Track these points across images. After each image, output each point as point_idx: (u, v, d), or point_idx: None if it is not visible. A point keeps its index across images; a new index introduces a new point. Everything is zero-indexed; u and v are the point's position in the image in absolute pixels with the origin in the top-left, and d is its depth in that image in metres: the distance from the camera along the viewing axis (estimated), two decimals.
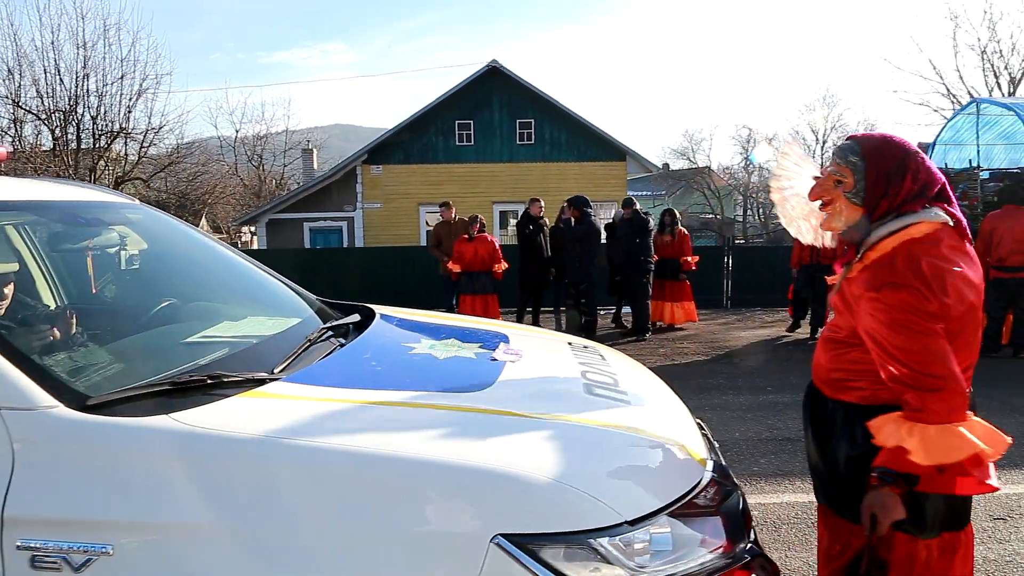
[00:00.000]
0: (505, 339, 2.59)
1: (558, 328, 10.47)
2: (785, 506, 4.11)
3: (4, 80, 18.50)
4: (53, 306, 2.47)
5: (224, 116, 74.82)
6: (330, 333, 2.48)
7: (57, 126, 18.80)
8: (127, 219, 2.78)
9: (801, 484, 4.46)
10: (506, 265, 9.71)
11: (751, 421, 5.92)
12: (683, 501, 1.72)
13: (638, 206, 10.50)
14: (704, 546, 1.70)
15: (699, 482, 1.82)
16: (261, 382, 1.91)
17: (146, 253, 2.80)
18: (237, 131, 38.66)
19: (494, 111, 21.92)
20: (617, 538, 1.54)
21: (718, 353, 9.18)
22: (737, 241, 17.43)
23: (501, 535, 1.48)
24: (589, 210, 9.94)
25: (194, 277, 2.93)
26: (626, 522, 1.56)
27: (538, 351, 2.54)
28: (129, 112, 19.40)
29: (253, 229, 22.61)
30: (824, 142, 33.50)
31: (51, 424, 1.59)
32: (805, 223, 2.48)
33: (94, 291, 2.61)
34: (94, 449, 1.58)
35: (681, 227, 11.02)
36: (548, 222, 10.76)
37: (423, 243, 20.94)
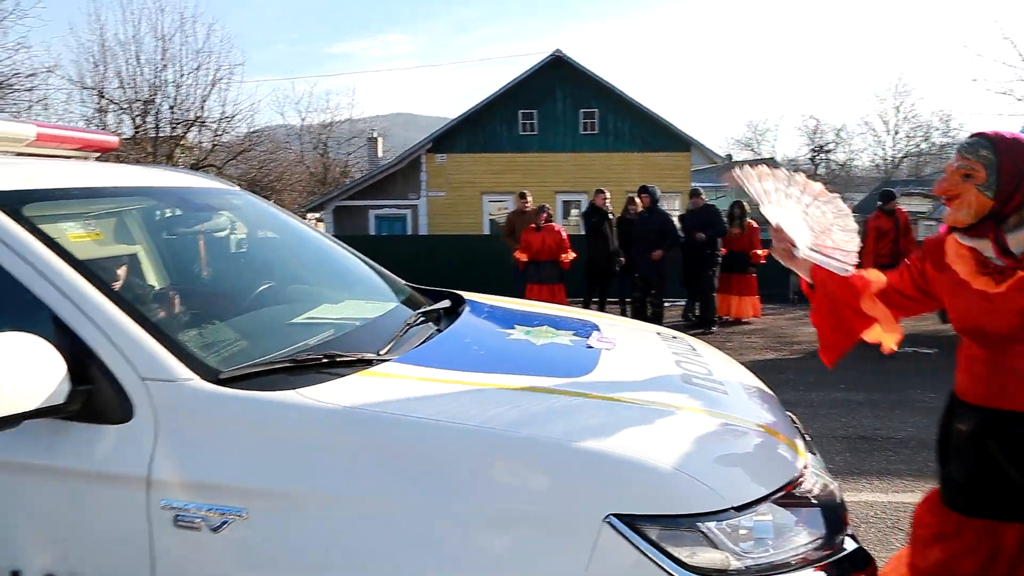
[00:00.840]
0: (596, 328, 2.64)
1: None
2: (863, 505, 4.07)
3: (90, 72, 19.24)
4: (168, 287, 2.62)
5: (291, 105, 76.36)
6: (424, 318, 2.58)
7: (137, 115, 19.47)
8: (232, 204, 2.93)
9: (878, 483, 4.41)
10: (573, 255, 9.74)
11: (824, 418, 5.85)
12: (784, 490, 1.75)
13: (705, 197, 10.40)
14: (802, 535, 1.73)
15: (799, 473, 1.85)
16: (370, 363, 2.01)
17: (247, 238, 2.94)
18: (303, 120, 39.47)
19: (557, 100, 21.89)
20: (724, 523, 1.59)
21: (787, 348, 9.06)
22: None
23: (613, 515, 1.54)
24: (659, 200, 9.91)
25: (291, 261, 3.06)
26: (732, 508, 1.61)
27: (630, 340, 2.59)
28: (204, 101, 19.99)
29: (319, 215, 23.07)
30: (896, 133, 32.51)
31: (189, 395, 1.71)
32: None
33: (204, 273, 2.75)
34: (229, 419, 1.69)
35: (750, 219, 10.87)
36: (614, 212, 10.74)
37: (486, 231, 21.11)
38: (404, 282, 3.13)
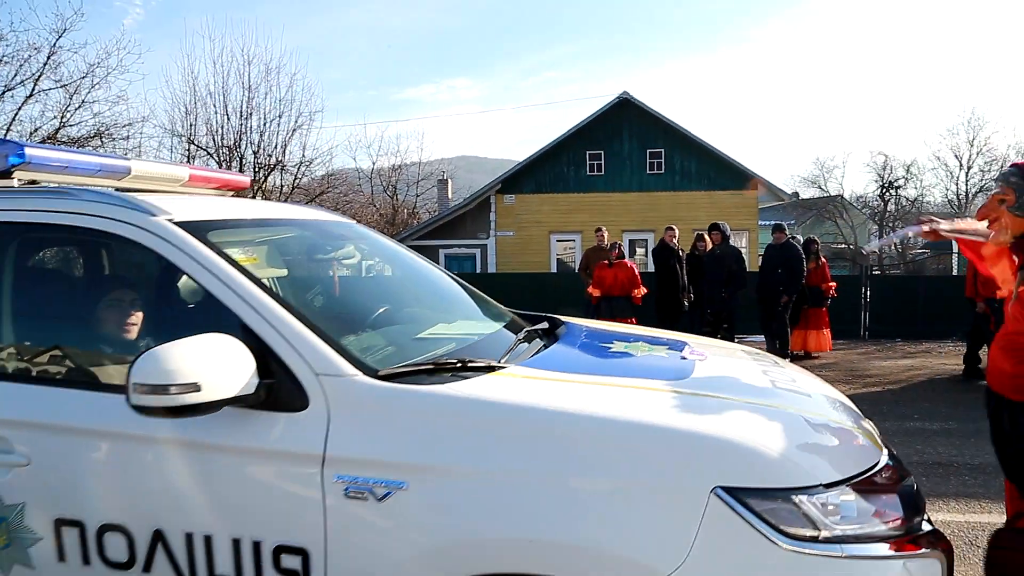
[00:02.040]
0: (686, 344, 2.92)
1: None
2: (940, 524, 4.18)
3: (181, 120, 20.51)
4: (317, 303, 3.01)
5: (362, 149, 78.84)
6: (531, 334, 2.91)
7: (223, 160, 20.60)
8: (358, 235, 3.33)
9: (955, 504, 4.51)
10: (645, 290, 10.00)
11: (898, 446, 5.92)
12: (865, 476, 2.00)
13: (788, 233, 10.54)
14: (881, 517, 1.97)
15: (877, 463, 2.09)
16: (494, 368, 2.33)
17: (371, 264, 3.33)
18: (374, 163, 40.75)
19: (624, 141, 22.28)
20: (815, 497, 1.85)
21: (859, 381, 9.08)
22: (874, 271, 16.98)
23: (720, 487, 1.82)
24: (729, 237, 10.14)
25: (406, 286, 3.44)
26: (822, 485, 1.87)
27: (719, 353, 2.87)
28: (285, 147, 21.03)
29: None
30: (969, 167, 31.79)
31: (357, 388, 2.07)
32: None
33: (337, 293, 3.14)
34: (391, 408, 2.04)
35: (823, 255, 10.98)
36: (683, 249, 10.98)
37: (554, 270, 21.46)
38: (504, 307, 3.47)
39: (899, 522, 1.98)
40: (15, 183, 2.66)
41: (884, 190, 33.31)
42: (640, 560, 1.82)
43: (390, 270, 3.47)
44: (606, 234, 10.93)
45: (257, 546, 2.06)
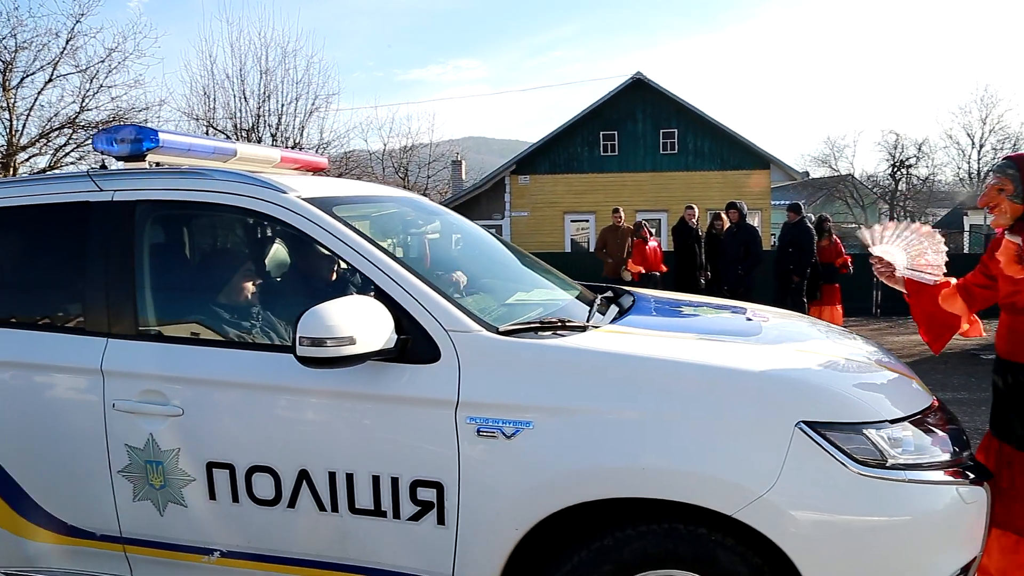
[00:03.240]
0: (746, 309, 3.24)
1: None
2: None
3: (199, 103, 20.77)
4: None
5: (373, 130, 79.07)
6: (606, 301, 3.23)
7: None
8: (442, 211, 3.65)
9: None
10: (665, 269, 10.34)
11: None
12: (920, 415, 2.32)
13: (804, 212, 10.79)
14: (937, 447, 2.28)
15: (930, 405, 2.42)
16: (586, 328, 2.64)
17: (455, 239, 3.65)
18: (385, 144, 40.95)
19: (637, 122, 22.47)
20: (881, 431, 2.18)
21: None
22: None
23: (803, 422, 2.15)
24: (746, 216, 10.41)
25: (483, 258, 3.74)
26: (887, 420, 2.19)
27: (779, 317, 3.19)
28: (303, 129, 21.29)
29: None
30: (981, 146, 31.84)
31: (483, 342, 2.39)
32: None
33: (427, 265, 3.46)
34: (516, 358, 2.37)
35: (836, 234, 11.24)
36: (701, 228, 11.26)
37: (568, 249, 21.75)
38: (569, 278, 3.77)
39: (949, 455, 2.30)
40: (146, 164, 2.96)
41: (895, 169, 33.39)
42: (740, 482, 2.15)
43: (465, 243, 3.78)
44: (623, 214, 11.22)
45: (395, 481, 2.39)
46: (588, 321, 2.78)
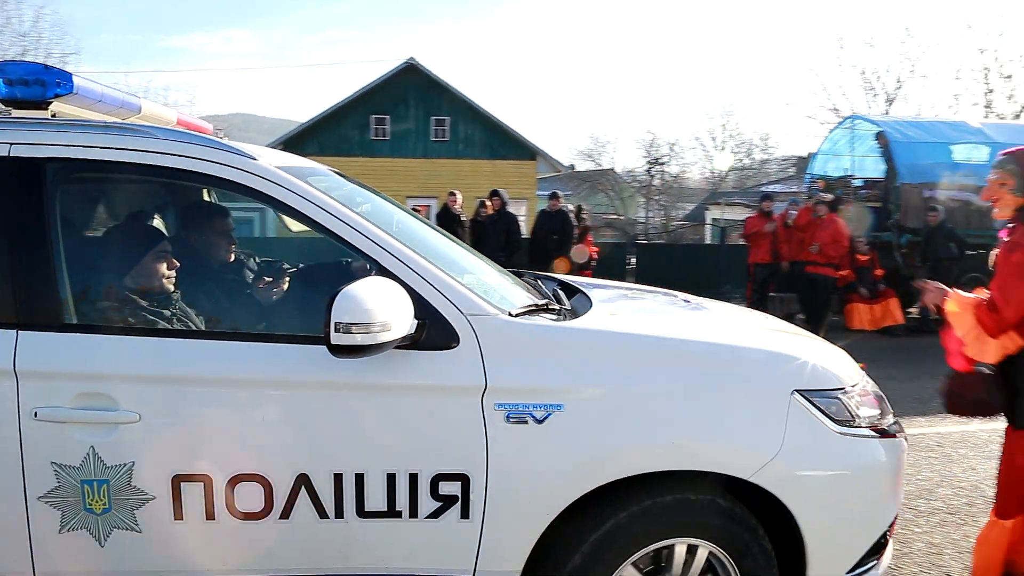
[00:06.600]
0: (672, 293, 3.41)
1: None
2: None
3: None
4: None
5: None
6: (548, 285, 3.21)
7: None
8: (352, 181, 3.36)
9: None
10: None
11: None
12: (858, 385, 2.60)
13: (562, 201, 11.48)
14: (873, 410, 2.56)
15: (862, 377, 2.73)
16: (586, 310, 2.63)
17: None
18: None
19: (410, 107, 22.40)
20: (847, 396, 2.45)
21: None
22: (639, 240, 18.98)
23: (796, 390, 2.36)
24: (507, 204, 11.00)
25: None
26: (849, 386, 2.49)
27: (698, 299, 3.37)
28: None
29: None
30: (723, 148, 35.55)
31: (502, 325, 2.28)
32: None
33: None
34: (535, 340, 2.31)
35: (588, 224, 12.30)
36: (466, 214, 11.50)
37: None
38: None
39: (879, 413, 2.59)
40: (48, 115, 2.42)
41: (651, 165, 36.42)
42: (755, 448, 2.32)
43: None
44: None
45: (414, 478, 2.20)
46: (564, 305, 2.76)
